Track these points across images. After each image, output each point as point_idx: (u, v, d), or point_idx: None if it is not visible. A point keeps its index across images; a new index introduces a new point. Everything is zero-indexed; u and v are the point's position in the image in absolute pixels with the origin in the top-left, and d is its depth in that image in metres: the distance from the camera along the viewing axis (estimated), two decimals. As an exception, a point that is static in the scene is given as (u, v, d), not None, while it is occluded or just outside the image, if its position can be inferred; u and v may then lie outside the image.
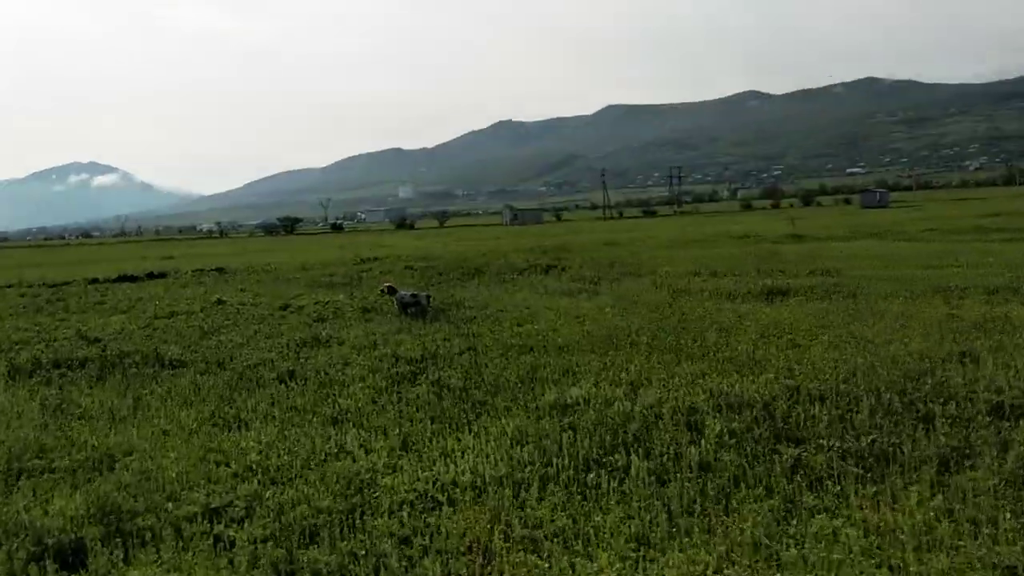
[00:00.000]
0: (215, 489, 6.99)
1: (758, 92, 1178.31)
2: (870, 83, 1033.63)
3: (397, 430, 8.60)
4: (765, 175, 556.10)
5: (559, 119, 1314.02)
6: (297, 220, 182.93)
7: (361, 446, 8.18)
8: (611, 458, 7.26)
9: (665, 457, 7.23)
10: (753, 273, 24.16)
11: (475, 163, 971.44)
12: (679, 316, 15.17)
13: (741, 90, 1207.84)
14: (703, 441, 7.51)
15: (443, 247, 50.70)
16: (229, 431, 9.15)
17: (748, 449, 7.29)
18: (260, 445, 8.34)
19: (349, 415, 9.41)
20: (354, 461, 7.70)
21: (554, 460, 7.29)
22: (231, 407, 10.14)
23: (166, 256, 63.52)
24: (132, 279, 31.94)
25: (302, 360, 12.81)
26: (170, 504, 6.68)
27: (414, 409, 9.44)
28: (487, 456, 7.59)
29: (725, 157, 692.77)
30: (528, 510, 6.28)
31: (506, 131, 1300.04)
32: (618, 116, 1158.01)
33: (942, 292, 17.19)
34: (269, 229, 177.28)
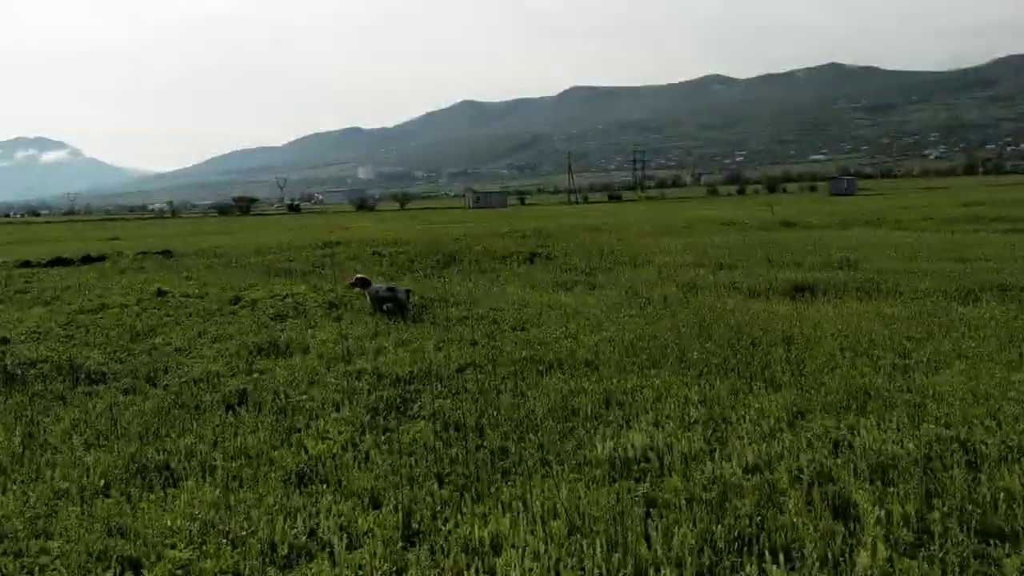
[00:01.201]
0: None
1: (722, 76, 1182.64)
2: (833, 69, 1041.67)
3: (393, 501, 5.95)
4: (728, 161, 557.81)
5: (522, 100, 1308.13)
6: (253, 200, 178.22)
7: (342, 530, 5.53)
8: (734, 562, 4.70)
9: (817, 567, 4.67)
10: (763, 265, 21.79)
11: (436, 144, 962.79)
12: (708, 318, 12.65)
13: (705, 74, 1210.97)
14: (864, 536, 4.96)
15: (411, 231, 47.79)
16: (150, 491, 6.44)
17: (940, 554, 4.75)
18: (191, 525, 5.65)
19: (321, 468, 6.74)
20: (333, 565, 5.05)
21: (648, 571, 4.70)
22: (157, 449, 7.42)
23: (112, 237, 59.89)
24: (66, 263, 28.69)
25: (255, 374, 10.08)
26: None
27: (413, 461, 6.79)
28: (535, 556, 4.98)
29: (688, 142, 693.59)
30: None
31: (468, 112, 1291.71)
32: (582, 98, 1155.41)
33: (1007, 291, 14.86)
34: (223, 209, 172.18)
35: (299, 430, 7.86)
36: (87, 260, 30.66)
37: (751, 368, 9.17)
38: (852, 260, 21.56)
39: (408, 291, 14.74)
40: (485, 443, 7.11)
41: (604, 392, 8.41)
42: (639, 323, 12.47)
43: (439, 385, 9.14)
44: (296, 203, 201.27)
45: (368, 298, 14.69)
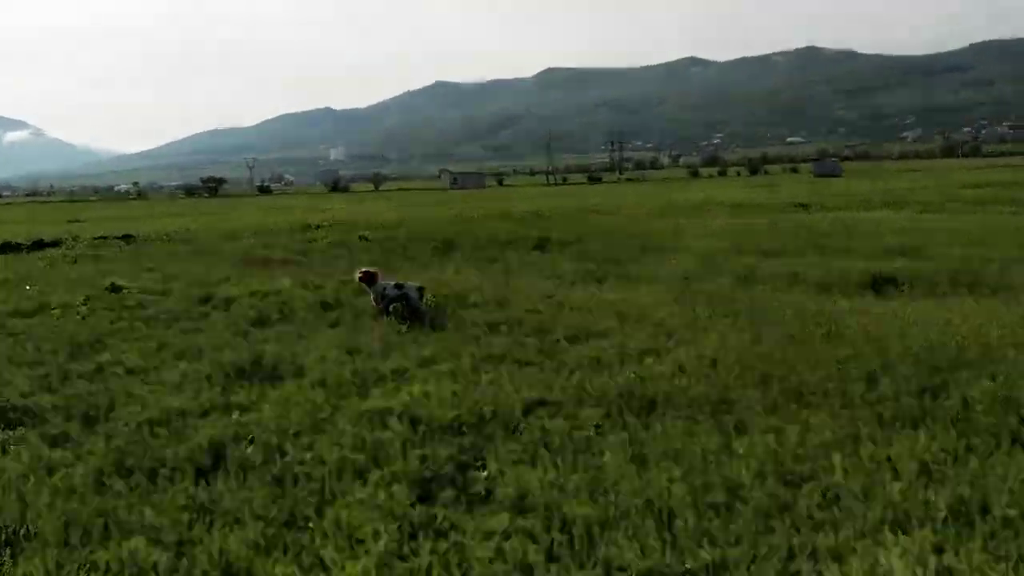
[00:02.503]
0: None
1: (700, 59, 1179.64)
2: (810, 52, 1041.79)
3: None
4: (705, 143, 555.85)
5: (498, 81, 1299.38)
6: (222, 181, 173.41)
7: None
8: None
9: None
10: (812, 252, 19.16)
11: (409, 125, 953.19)
12: (811, 325, 9.93)
13: (683, 56, 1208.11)
14: None
15: (394, 213, 44.77)
16: None
17: None
18: None
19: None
20: None
21: None
22: (85, 567, 4.62)
23: (72, 219, 56.39)
24: (15, 248, 25.50)
25: (235, 414, 7.24)
26: None
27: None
28: None
29: (665, 124, 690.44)
30: None
31: (442, 92, 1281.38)
32: (558, 80, 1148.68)
33: None
34: (191, 190, 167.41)
35: (307, 522, 5.06)
36: (38, 246, 27.47)
37: (948, 413, 6.41)
38: (913, 247, 18.97)
39: (421, 288, 11.89)
40: (618, 560, 4.33)
41: (747, 449, 5.66)
42: (729, 332, 9.71)
43: (506, 438, 6.33)
44: (267, 184, 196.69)
45: (373, 297, 11.82)
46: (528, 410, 6.91)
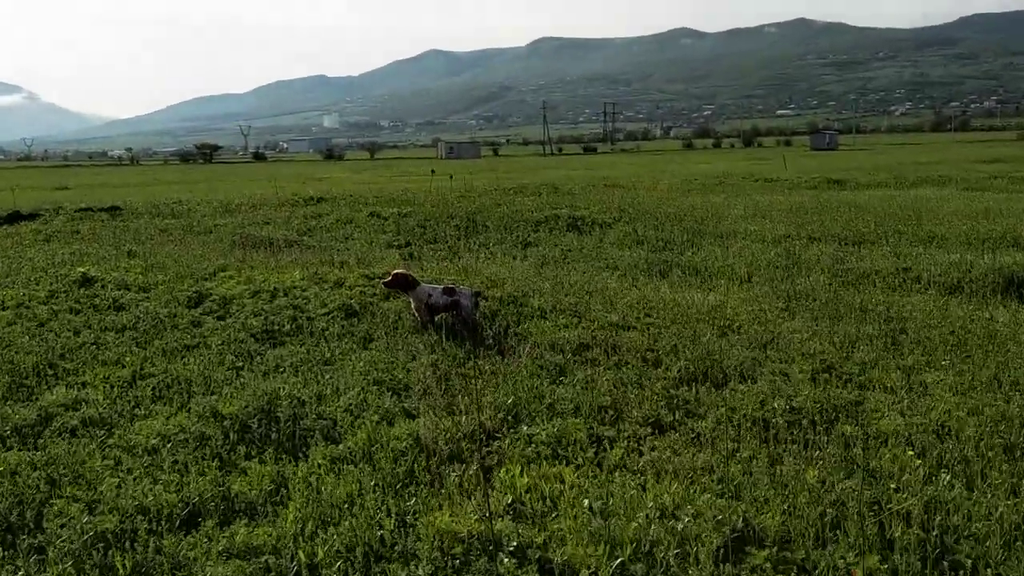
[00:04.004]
0: None
1: (691, 30, 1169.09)
2: (801, 24, 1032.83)
3: None
4: (696, 115, 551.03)
5: (491, 50, 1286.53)
6: (216, 147, 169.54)
7: None
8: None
9: None
10: (893, 239, 16.52)
11: (403, 93, 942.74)
12: (969, 343, 7.38)
13: (675, 27, 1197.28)
14: None
15: (400, 185, 41.97)
16: None
17: None
18: None
19: None
20: None
21: None
22: None
23: (60, 186, 53.47)
24: (-16, 222, 22.71)
25: (238, 538, 4.59)
26: None
27: None
28: None
29: (657, 95, 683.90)
30: None
31: (435, 61, 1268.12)
32: (551, 49, 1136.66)
33: None
34: (185, 157, 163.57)
35: None
36: (14, 218, 24.75)
37: None
38: (1012, 235, 16.36)
39: (477, 294, 9.27)
40: None
41: None
42: (940, 375, 7.12)
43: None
44: (261, 151, 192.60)
45: (415, 305, 9.15)
46: (722, 553, 4.24)
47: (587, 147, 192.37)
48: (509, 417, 6.25)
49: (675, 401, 6.47)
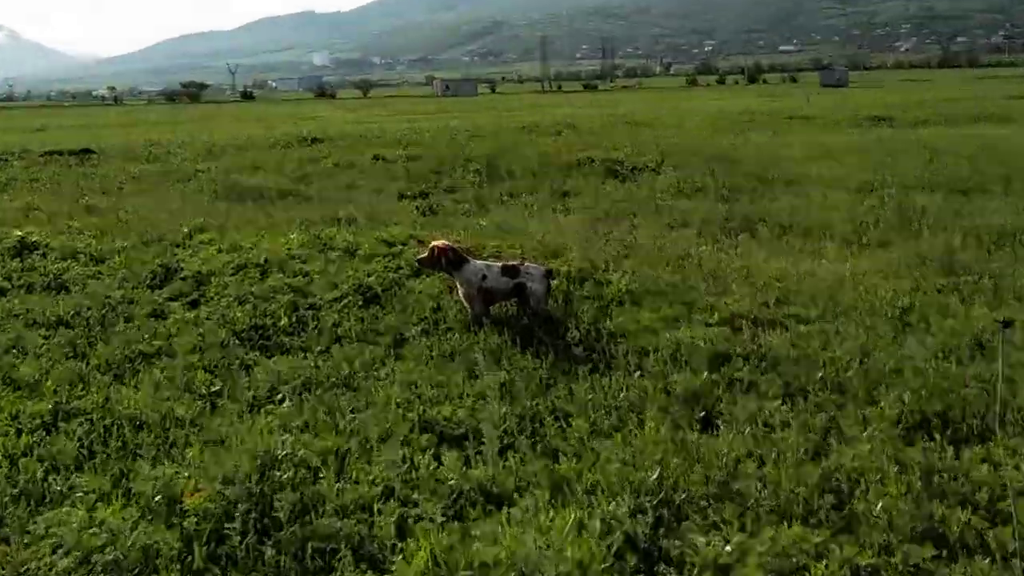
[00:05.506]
0: None
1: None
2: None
3: None
4: (696, 51, 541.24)
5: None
6: (202, 86, 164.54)
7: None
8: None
9: None
10: (999, 186, 13.92)
11: (394, 29, 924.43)
12: None
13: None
14: None
15: (400, 124, 39.01)
16: None
17: None
18: None
19: None
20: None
21: None
22: None
23: (37, 128, 50.37)
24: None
25: None
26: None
27: None
28: None
29: (655, 30, 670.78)
30: None
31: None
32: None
33: None
34: (171, 96, 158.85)
35: None
36: (-32, 164, 21.90)
37: None
38: None
39: (549, 273, 6.67)
40: None
41: None
42: None
43: None
44: (249, 90, 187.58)
45: (465, 290, 6.55)
46: None
47: (587, 85, 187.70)
48: (667, 513, 3.71)
49: (937, 479, 3.91)
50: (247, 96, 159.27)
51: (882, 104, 45.76)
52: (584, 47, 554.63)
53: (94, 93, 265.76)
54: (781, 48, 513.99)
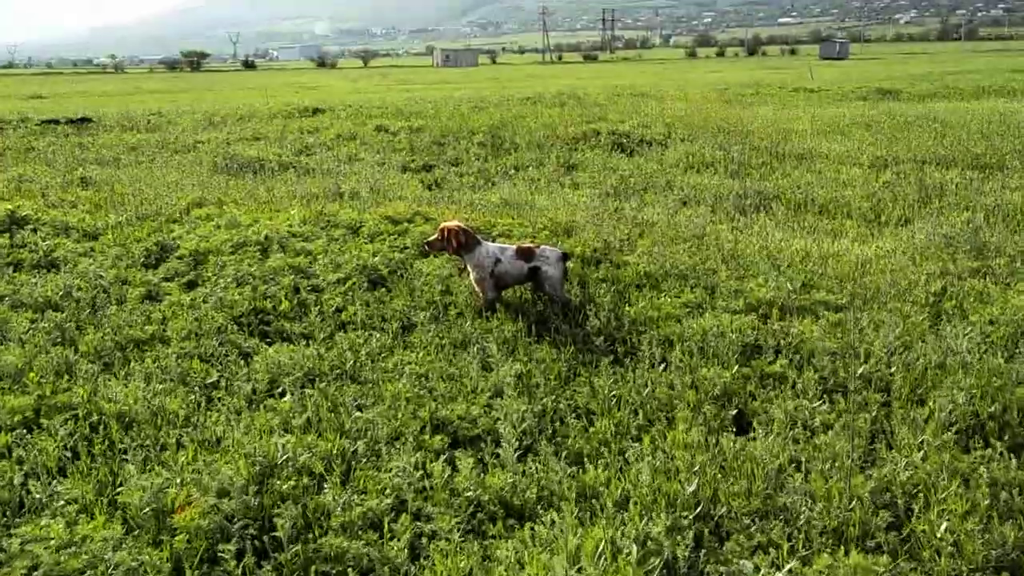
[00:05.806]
0: None
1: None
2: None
3: None
4: (696, 23, 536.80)
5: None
6: (203, 55, 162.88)
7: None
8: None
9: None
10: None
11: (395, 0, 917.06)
12: None
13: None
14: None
15: (402, 95, 38.45)
16: None
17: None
18: None
19: None
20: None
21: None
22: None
23: (34, 95, 49.57)
24: (-78, 139, 19.42)
25: None
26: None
27: None
28: None
29: (655, 1, 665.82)
30: None
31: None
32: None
33: None
34: (172, 65, 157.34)
35: None
36: (-39, 134, 21.42)
37: None
38: None
39: (565, 255, 6.29)
40: None
41: None
42: None
43: None
44: (250, 60, 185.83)
45: (474, 273, 6.18)
46: None
47: (588, 56, 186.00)
48: (706, 531, 3.37)
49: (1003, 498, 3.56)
50: (248, 66, 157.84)
51: (887, 77, 45.09)
52: (584, 18, 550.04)
53: (95, 61, 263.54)
54: (780, 20, 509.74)
